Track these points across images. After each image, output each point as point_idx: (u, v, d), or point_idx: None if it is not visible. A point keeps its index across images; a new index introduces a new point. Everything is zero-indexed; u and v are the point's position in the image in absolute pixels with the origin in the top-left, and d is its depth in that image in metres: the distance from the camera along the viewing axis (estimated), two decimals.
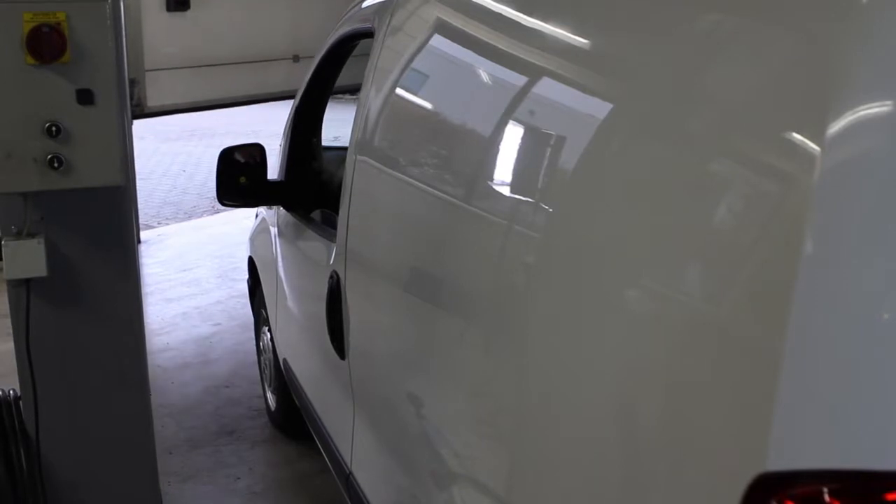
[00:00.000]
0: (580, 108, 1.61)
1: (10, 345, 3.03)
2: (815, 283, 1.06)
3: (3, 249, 2.87)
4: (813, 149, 1.08)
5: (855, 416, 1.05)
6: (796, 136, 1.12)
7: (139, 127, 10.13)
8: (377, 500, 2.50)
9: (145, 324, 3.40)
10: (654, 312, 1.31)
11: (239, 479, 4.11)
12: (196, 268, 7.49)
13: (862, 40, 1.10)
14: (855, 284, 1.06)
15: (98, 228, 3.02)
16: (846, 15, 1.12)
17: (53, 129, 2.78)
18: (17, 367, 3.01)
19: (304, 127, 3.81)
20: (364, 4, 3.03)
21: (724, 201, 1.22)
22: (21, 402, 3.08)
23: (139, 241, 7.89)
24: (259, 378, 4.93)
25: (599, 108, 1.55)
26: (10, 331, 3.02)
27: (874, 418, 1.04)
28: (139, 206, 8.81)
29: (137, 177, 8.54)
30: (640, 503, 1.33)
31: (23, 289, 2.95)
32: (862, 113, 1.06)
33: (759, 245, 1.14)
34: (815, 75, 1.13)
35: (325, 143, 4.01)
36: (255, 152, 3.55)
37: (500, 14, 1.96)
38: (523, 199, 1.69)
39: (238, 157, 3.53)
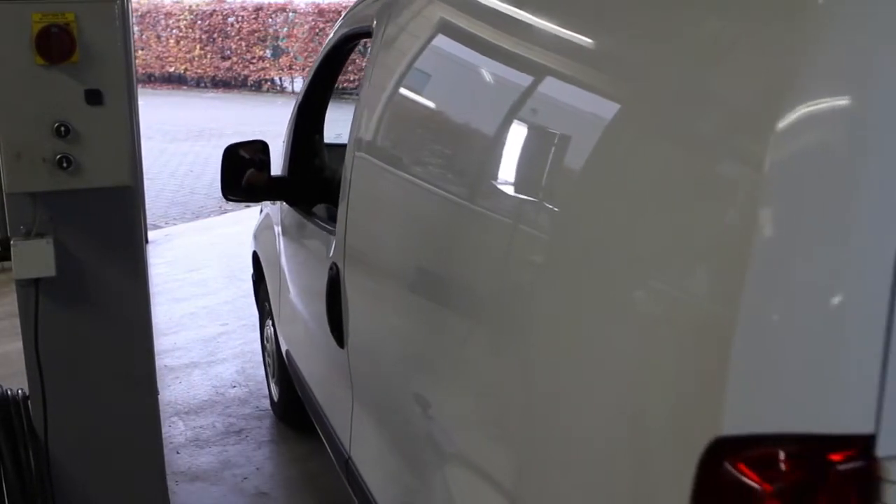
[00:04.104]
0: (563, 103, 1.69)
1: (19, 344, 3.04)
2: (766, 262, 1.16)
3: (12, 249, 2.88)
4: (763, 144, 1.17)
5: (801, 385, 1.15)
6: (750, 130, 1.21)
7: (147, 127, 10.15)
8: (375, 484, 2.59)
9: (153, 324, 3.41)
10: (628, 298, 1.40)
11: (246, 478, 4.11)
12: (204, 268, 7.51)
13: (812, 40, 1.17)
14: (802, 264, 1.15)
15: (106, 228, 3.03)
16: (799, 16, 1.20)
17: (62, 129, 2.79)
18: (26, 366, 3.02)
19: (307, 124, 3.88)
20: (363, 5, 3.12)
21: (687, 193, 1.31)
22: (30, 402, 3.08)
23: (147, 242, 7.91)
24: (265, 375, 4.97)
25: (581, 104, 1.63)
26: (19, 330, 3.03)
27: (818, 386, 1.15)
28: (147, 207, 8.83)
29: (145, 177, 8.56)
30: (606, 469, 1.43)
31: (31, 289, 2.96)
32: (812, 110, 1.15)
33: (716, 229, 1.24)
34: (768, 73, 1.21)
35: (327, 140, 4.06)
36: (259, 149, 3.61)
37: (493, 14, 2.03)
38: (510, 192, 1.78)
39: (242, 153, 3.60)
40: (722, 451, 1.18)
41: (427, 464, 2.15)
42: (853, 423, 1.15)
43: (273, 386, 4.71)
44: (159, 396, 3.41)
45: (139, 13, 25.58)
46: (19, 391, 3.11)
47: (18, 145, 2.79)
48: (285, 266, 3.97)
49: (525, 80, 1.82)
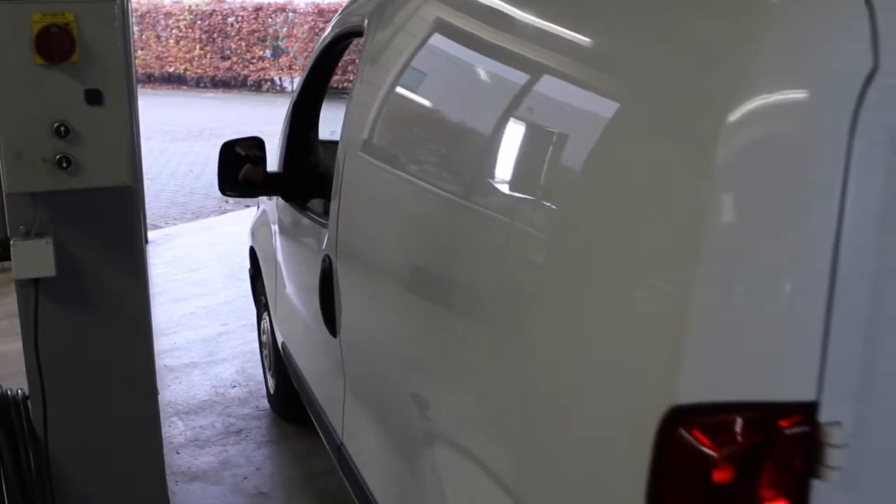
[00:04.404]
0: (543, 98, 1.78)
1: (18, 344, 3.04)
2: (718, 244, 1.27)
3: (11, 249, 2.88)
4: (715, 132, 1.27)
5: (751, 357, 1.27)
6: (704, 121, 1.31)
7: (146, 127, 10.15)
8: (366, 469, 2.69)
9: (153, 324, 3.41)
10: (596, 277, 1.50)
11: (246, 478, 4.11)
12: (204, 268, 7.51)
13: (763, 36, 1.28)
14: (752, 247, 1.26)
15: (106, 228, 3.03)
16: (750, 13, 1.32)
17: (62, 129, 2.79)
18: (26, 366, 3.02)
19: (302, 122, 3.95)
20: (356, 4, 3.22)
21: (650, 179, 1.40)
22: (29, 402, 3.08)
23: (147, 242, 7.91)
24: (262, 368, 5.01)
25: (553, 97, 1.74)
26: (18, 330, 3.02)
27: (767, 358, 1.26)
28: (147, 207, 8.83)
29: (145, 177, 8.56)
30: (574, 435, 1.53)
31: (31, 288, 2.96)
32: (760, 104, 1.26)
33: (675, 212, 1.33)
34: (722, 65, 1.32)
35: (322, 137, 4.10)
36: (255, 145, 3.68)
37: (480, 14, 2.13)
38: (492, 187, 1.88)
39: (239, 150, 3.66)
40: (678, 419, 1.28)
41: (415, 449, 2.23)
42: (798, 391, 1.26)
43: (270, 379, 4.78)
44: (159, 396, 3.41)
45: (139, 13, 25.58)
46: (19, 391, 3.11)
47: (18, 145, 2.79)
48: (281, 260, 4.03)
49: (512, 76, 1.90)
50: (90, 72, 2.81)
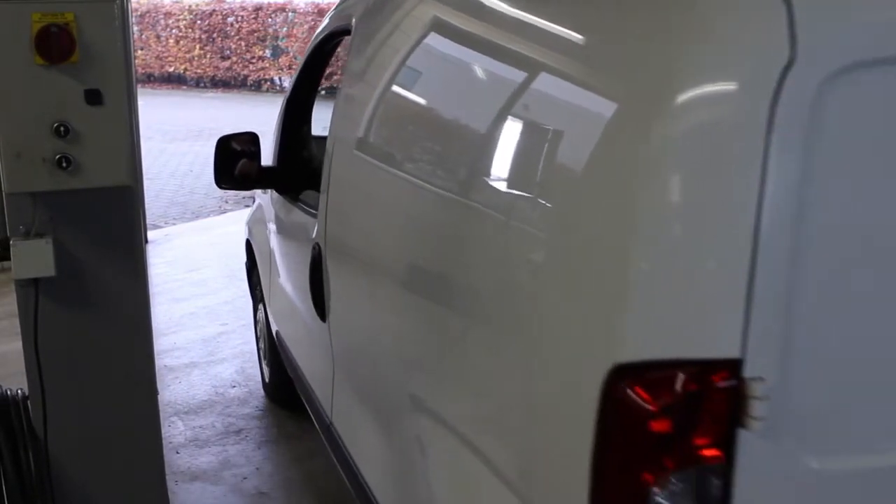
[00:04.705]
0: (516, 89, 1.90)
1: (18, 344, 3.04)
2: (655, 220, 1.43)
3: (11, 249, 2.87)
4: (648, 124, 1.44)
5: (685, 320, 1.42)
6: (638, 114, 1.48)
7: (146, 127, 10.15)
8: (353, 447, 2.84)
9: (153, 324, 3.41)
10: (550, 253, 1.67)
11: (246, 478, 4.11)
12: (203, 268, 7.51)
13: (702, 31, 1.43)
14: (683, 224, 1.42)
15: (106, 228, 3.03)
16: (690, 10, 1.46)
17: (62, 129, 2.79)
18: (26, 366, 3.02)
19: (295, 117, 4.09)
20: (344, 4, 3.42)
21: (606, 160, 1.54)
22: (29, 402, 3.08)
23: (147, 241, 7.90)
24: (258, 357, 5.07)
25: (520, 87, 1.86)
26: (18, 330, 3.02)
27: (698, 322, 1.42)
28: (146, 206, 8.82)
29: (145, 177, 8.55)
30: (537, 397, 1.68)
31: (31, 289, 2.96)
32: (689, 94, 1.41)
33: (619, 194, 1.48)
34: (664, 56, 1.47)
35: (316, 133, 4.19)
36: (250, 140, 3.80)
37: (459, 12, 2.29)
38: (461, 180, 2.04)
39: (234, 144, 3.78)
40: (620, 376, 1.44)
41: (398, 422, 2.37)
42: (725, 349, 1.41)
43: (265, 367, 4.91)
44: (159, 396, 3.41)
45: (139, 13, 25.57)
46: (19, 391, 3.11)
47: (18, 145, 2.79)
48: (275, 250, 4.16)
49: (484, 68, 2.07)
50: (90, 72, 2.81)
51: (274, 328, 4.34)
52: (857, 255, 1.47)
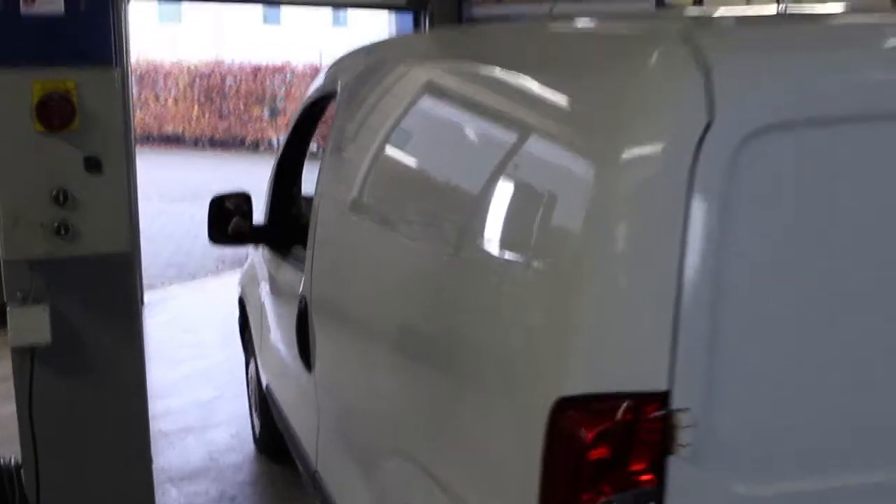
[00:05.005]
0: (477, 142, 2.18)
1: (11, 408, 3.01)
2: (594, 271, 1.62)
3: (8, 316, 2.86)
4: (589, 178, 1.66)
5: (620, 359, 1.60)
6: (583, 170, 1.70)
7: (144, 187, 10.17)
8: (338, 494, 2.94)
9: (148, 388, 3.38)
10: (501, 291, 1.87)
11: None
12: (199, 329, 7.47)
13: (635, 100, 1.63)
14: (619, 272, 1.59)
15: (104, 295, 3.02)
16: (628, 80, 1.67)
17: (61, 196, 2.80)
18: (20, 435, 2.99)
19: (284, 178, 4.31)
20: (330, 70, 3.67)
21: (552, 215, 1.74)
22: (23, 471, 3.04)
23: (143, 303, 7.88)
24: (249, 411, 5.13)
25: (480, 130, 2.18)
26: (13, 393, 2.99)
27: (632, 360, 1.59)
28: (143, 267, 8.80)
29: (142, 237, 8.55)
30: (481, 426, 1.89)
31: (27, 356, 2.94)
32: (625, 152, 1.60)
33: (564, 245, 1.67)
34: (606, 123, 1.68)
35: (306, 192, 4.28)
36: (243, 200, 3.99)
37: (425, 79, 2.59)
38: (427, 234, 2.26)
39: (227, 204, 3.96)
40: (563, 408, 1.61)
41: (377, 471, 2.51)
42: (655, 383, 1.57)
43: (255, 420, 5.03)
44: (153, 463, 3.37)
45: (138, 73, 25.73)
46: (12, 459, 3.07)
47: (16, 212, 2.80)
48: (266, 304, 4.27)
49: (459, 132, 2.29)
50: (90, 139, 2.83)
51: (264, 381, 4.44)
52: (773, 296, 1.63)
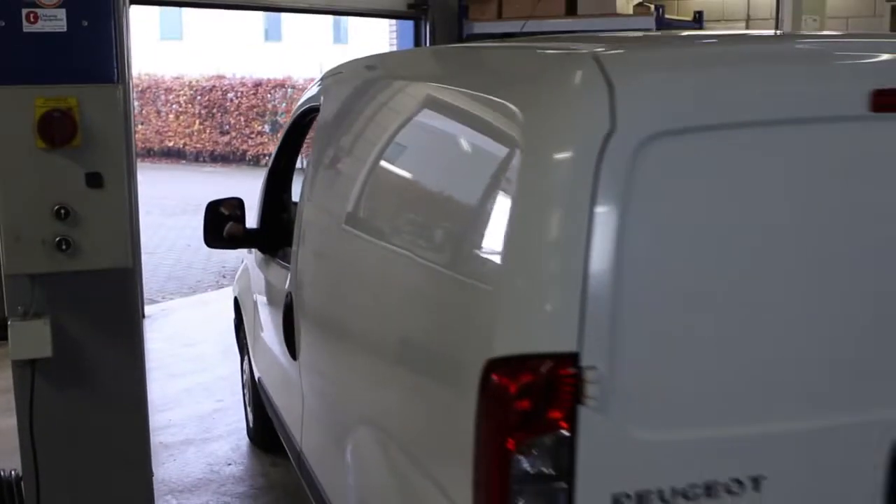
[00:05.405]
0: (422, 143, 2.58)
1: (12, 421, 3.03)
2: (517, 251, 1.90)
3: (9, 329, 2.89)
4: (513, 175, 1.95)
5: (538, 324, 1.89)
6: (509, 165, 1.99)
7: (145, 201, 10.21)
8: (319, 469, 3.21)
9: (148, 401, 3.40)
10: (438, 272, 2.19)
11: None
12: (200, 343, 7.49)
13: (549, 108, 1.95)
14: (536, 252, 1.89)
15: (105, 309, 3.05)
16: (553, 86, 2.00)
17: (62, 211, 2.83)
18: (20, 447, 3.01)
19: (276, 184, 4.58)
20: (315, 85, 3.97)
21: (492, 205, 2.03)
22: (23, 483, 3.06)
23: (144, 317, 7.90)
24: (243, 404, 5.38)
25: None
26: (13, 406, 3.01)
27: (548, 324, 1.88)
28: (144, 281, 8.82)
29: (143, 251, 8.57)
30: (428, 390, 2.26)
31: (27, 369, 2.97)
32: (536, 155, 1.92)
33: (500, 230, 1.94)
34: (532, 126, 1.97)
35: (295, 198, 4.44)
36: (236, 205, 4.28)
37: (395, 97, 2.91)
38: (378, 227, 2.64)
39: (222, 209, 4.27)
40: (493, 367, 1.89)
41: (347, 435, 2.76)
42: (568, 345, 1.85)
43: (249, 413, 5.31)
44: (153, 476, 3.38)
45: (139, 88, 25.82)
46: (12, 472, 3.09)
47: (18, 227, 2.83)
48: (258, 302, 4.56)
49: (409, 142, 2.64)
50: (91, 155, 2.86)
51: (256, 375, 4.69)
52: (667, 274, 1.91)
